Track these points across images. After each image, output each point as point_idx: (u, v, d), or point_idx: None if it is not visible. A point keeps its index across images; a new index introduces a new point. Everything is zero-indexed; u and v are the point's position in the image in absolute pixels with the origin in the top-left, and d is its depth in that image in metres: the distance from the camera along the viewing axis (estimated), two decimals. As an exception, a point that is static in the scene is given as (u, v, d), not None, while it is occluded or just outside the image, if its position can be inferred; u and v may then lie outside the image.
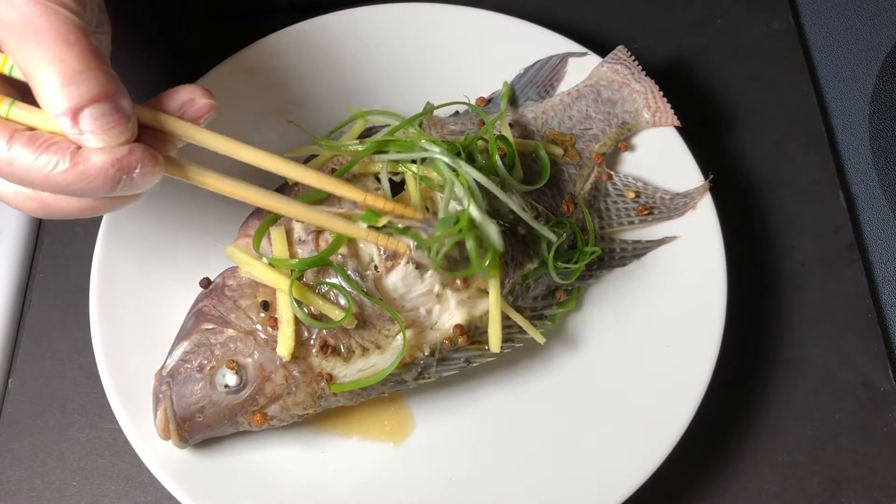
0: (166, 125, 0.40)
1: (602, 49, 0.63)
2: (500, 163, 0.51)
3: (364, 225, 0.46)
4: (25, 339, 0.59)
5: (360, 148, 0.52)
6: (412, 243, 0.46)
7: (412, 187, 0.50)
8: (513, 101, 0.61)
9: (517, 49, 0.63)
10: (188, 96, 0.41)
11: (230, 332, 0.48)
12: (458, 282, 0.48)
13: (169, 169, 0.40)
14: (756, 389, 0.57)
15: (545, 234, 0.50)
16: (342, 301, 0.48)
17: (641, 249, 0.57)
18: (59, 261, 0.61)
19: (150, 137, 0.40)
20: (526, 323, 0.51)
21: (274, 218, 0.51)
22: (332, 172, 0.53)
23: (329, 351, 0.48)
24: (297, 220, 0.49)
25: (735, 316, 0.54)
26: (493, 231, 0.46)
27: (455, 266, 0.47)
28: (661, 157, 0.60)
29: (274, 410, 0.48)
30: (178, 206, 0.58)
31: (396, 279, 0.49)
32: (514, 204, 0.49)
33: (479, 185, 0.48)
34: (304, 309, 0.47)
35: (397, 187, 0.51)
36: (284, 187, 0.54)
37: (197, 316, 0.50)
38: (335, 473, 0.50)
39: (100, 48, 0.37)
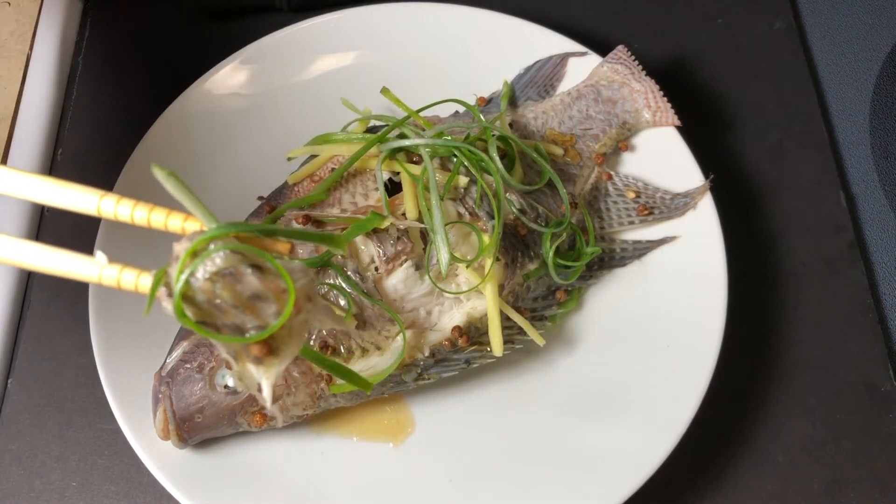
0: None
1: (602, 49, 0.63)
2: (499, 163, 0.51)
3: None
4: (25, 339, 0.58)
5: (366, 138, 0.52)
6: None
7: (408, 188, 0.50)
8: (513, 100, 0.61)
9: (517, 49, 0.63)
10: None
11: (230, 332, 0.48)
12: None
13: None
14: (756, 389, 0.57)
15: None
16: (342, 302, 0.48)
17: (641, 249, 0.57)
18: (58, 261, 0.61)
19: None
20: (526, 324, 0.51)
21: (274, 219, 0.51)
22: (332, 171, 0.53)
23: (329, 351, 0.48)
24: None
25: (735, 316, 0.54)
26: None
27: None
28: (662, 157, 0.60)
29: (273, 411, 0.48)
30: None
31: (397, 280, 0.49)
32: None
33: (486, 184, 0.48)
34: (304, 309, 0.47)
35: (395, 188, 0.51)
36: (284, 187, 0.54)
37: (196, 316, 0.49)
38: (335, 473, 0.50)
39: None
